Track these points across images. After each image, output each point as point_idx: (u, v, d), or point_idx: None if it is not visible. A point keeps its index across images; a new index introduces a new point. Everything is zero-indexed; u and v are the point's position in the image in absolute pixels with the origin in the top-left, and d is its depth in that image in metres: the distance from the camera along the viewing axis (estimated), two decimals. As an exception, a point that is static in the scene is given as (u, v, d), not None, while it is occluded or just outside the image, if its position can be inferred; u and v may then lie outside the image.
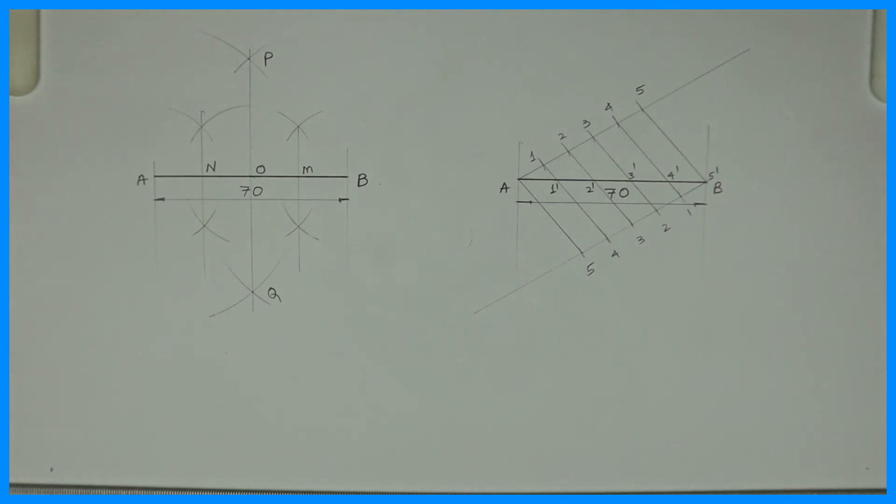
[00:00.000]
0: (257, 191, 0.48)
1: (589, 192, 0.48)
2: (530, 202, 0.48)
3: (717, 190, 0.48)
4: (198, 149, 0.47)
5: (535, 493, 0.49)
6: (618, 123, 0.48)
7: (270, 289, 0.48)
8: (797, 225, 0.48)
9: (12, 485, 0.48)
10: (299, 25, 0.47)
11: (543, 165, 0.48)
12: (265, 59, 0.47)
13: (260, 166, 0.47)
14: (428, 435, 0.49)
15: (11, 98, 0.46)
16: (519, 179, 0.48)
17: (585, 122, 0.48)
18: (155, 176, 0.47)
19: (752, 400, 0.49)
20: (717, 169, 0.48)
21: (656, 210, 0.48)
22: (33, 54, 0.46)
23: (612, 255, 0.48)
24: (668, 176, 0.48)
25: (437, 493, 0.49)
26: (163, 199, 0.47)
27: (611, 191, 0.48)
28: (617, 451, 0.49)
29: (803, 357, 0.49)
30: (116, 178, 0.47)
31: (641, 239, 0.48)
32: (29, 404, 0.48)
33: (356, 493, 0.49)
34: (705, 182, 0.48)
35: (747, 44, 0.47)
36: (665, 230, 0.48)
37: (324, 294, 0.48)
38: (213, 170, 0.47)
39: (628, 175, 0.48)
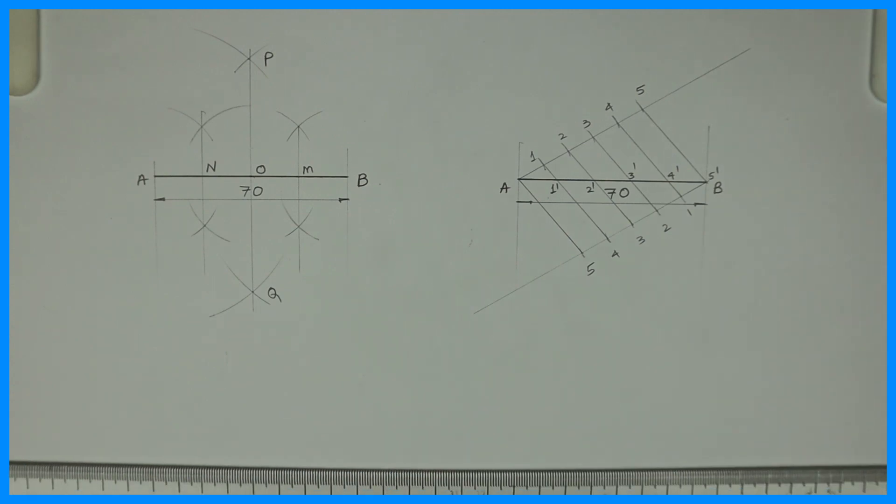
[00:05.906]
0: (257, 191, 0.48)
1: (589, 192, 0.48)
2: (530, 202, 0.48)
3: (717, 190, 0.48)
4: (198, 149, 0.47)
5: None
6: (618, 123, 0.48)
7: (270, 289, 0.48)
8: (797, 225, 0.48)
9: (12, 463, 0.48)
10: (299, 25, 0.47)
11: (543, 165, 0.48)
12: (265, 59, 0.47)
13: (260, 166, 0.47)
14: (428, 435, 0.49)
15: (11, 98, 0.46)
16: (519, 179, 0.48)
17: (585, 122, 0.48)
18: (155, 176, 0.47)
19: (752, 400, 0.49)
20: (717, 169, 0.48)
21: (656, 210, 0.48)
22: (33, 54, 0.46)
23: (613, 255, 0.48)
24: (668, 176, 0.48)
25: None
26: (163, 199, 0.47)
27: (611, 191, 0.48)
28: (617, 450, 0.49)
29: (803, 357, 0.49)
30: (116, 178, 0.47)
31: (641, 239, 0.48)
32: (28, 405, 0.48)
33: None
34: (705, 182, 0.48)
35: (747, 44, 0.47)
36: (665, 230, 0.48)
37: (324, 294, 0.48)
38: (213, 170, 0.47)
39: (628, 175, 0.48)
